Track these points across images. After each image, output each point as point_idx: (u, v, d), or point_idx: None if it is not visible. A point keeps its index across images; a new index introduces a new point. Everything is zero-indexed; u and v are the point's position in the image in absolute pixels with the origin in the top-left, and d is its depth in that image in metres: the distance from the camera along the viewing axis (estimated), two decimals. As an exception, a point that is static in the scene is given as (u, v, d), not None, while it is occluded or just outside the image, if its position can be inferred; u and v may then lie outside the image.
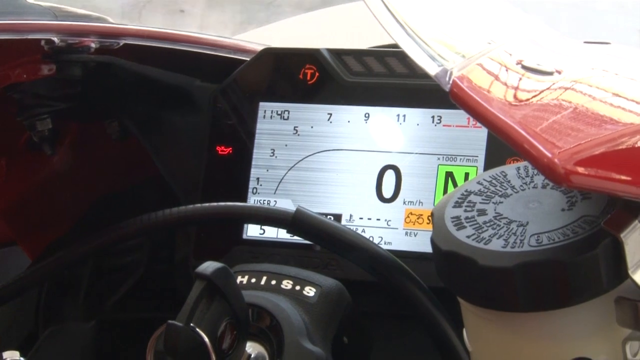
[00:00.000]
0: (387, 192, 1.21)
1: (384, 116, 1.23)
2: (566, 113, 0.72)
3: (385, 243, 1.20)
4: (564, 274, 0.80)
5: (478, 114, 0.69)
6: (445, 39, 0.82)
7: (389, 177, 1.21)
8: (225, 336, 0.92)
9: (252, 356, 0.96)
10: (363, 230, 1.21)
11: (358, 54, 1.25)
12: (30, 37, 1.20)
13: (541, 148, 0.67)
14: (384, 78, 1.23)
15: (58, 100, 1.30)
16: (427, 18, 0.84)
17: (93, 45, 1.24)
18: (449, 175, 1.18)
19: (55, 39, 1.21)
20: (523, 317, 0.83)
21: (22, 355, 1.41)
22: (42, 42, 1.21)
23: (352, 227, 1.21)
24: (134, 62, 1.31)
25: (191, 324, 0.90)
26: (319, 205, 1.22)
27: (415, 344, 1.09)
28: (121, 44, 1.26)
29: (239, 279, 1.01)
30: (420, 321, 1.02)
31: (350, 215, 1.22)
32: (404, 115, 1.22)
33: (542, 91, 0.75)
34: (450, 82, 0.71)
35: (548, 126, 0.69)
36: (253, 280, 1.01)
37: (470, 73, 0.73)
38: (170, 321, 0.90)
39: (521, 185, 0.88)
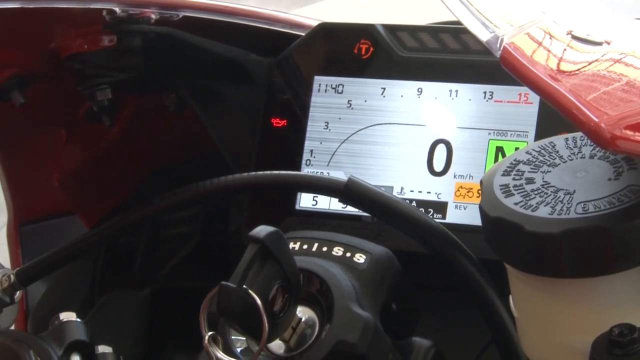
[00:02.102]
0: (438, 165, 1.22)
1: (436, 91, 1.24)
2: (614, 83, 0.73)
3: (435, 215, 1.21)
4: (608, 241, 0.81)
5: (528, 80, 0.71)
6: (498, 8, 0.83)
7: (440, 151, 1.22)
8: (277, 299, 0.93)
9: (303, 320, 0.97)
10: (413, 203, 1.22)
11: (412, 30, 1.26)
12: (92, 6, 1.21)
13: (589, 113, 0.68)
14: (437, 54, 1.24)
15: (118, 71, 1.32)
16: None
17: (153, 16, 1.26)
18: (500, 150, 1.19)
19: (117, 9, 1.23)
20: (568, 283, 0.84)
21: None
22: (104, 13, 1.23)
23: (403, 199, 1.21)
24: (192, 35, 1.32)
25: (244, 286, 0.90)
26: (370, 177, 1.23)
27: (462, 316, 1.10)
28: (180, 16, 1.28)
29: (291, 245, 1.02)
30: (469, 293, 1.03)
31: (402, 188, 1.23)
32: (456, 91, 1.22)
33: (591, 61, 0.76)
34: (501, 48, 0.73)
35: (596, 94, 0.71)
36: (305, 246, 1.01)
37: (521, 41, 0.74)
38: (223, 282, 0.91)
39: (569, 155, 0.89)
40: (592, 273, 0.83)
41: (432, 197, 1.22)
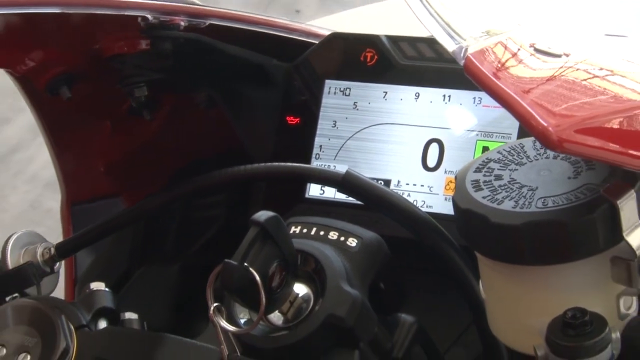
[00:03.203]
0: (431, 162, 1.22)
1: (432, 96, 1.23)
2: (566, 90, 0.72)
3: (427, 206, 1.20)
4: (564, 233, 0.80)
5: (486, 87, 0.70)
6: (465, 21, 0.82)
7: (434, 149, 1.22)
8: (275, 276, 0.92)
9: (299, 295, 0.96)
10: (408, 195, 1.21)
11: (412, 41, 1.25)
12: (127, 13, 1.21)
13: (538, 118, 0.67)
14: (433, 62, 1.23)
15: (152, 71, 1.32)
16: (450, 2, 0.85)
17: (182, 23, 1.25)
18: (486, 149, 1.18)
19: (149, 17, 1.23)
20: (528, 269, 0.83)
21: (115, 290, 1.44)
22: (139, 19, 1.23)
23: (399, 191, 1.21)
24: (218, 41, 1.32)
25: (245, 264, 0.90)
26: (372, 171, 1.23)
27: (445, 296, 1.09)
28: (207, 24, 1.28)
29: (293, 228, 1.01)
30: (450, 276, 1.02)
31: (398, 181, 1.22)
32: (449, 96, 1.22)
33: (548, 70, 0.75)
34: (464, 58, 0.72)
35: (547, 100, 0.70)
36: (304, 230, 1.01)
37: (484, 51, 0.73)
38: (226, 260, 0.91)
39: (535, 156, 0.88)
40: (549, 261, 0.82)
41: (425, 190, 1.21)
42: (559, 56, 0.77)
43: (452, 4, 0.82)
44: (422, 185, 1.21)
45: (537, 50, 0.77)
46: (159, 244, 1.47)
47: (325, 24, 1.38)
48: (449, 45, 0.75)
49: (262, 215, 0.92)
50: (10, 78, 1.33)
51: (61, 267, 1.19)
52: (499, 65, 0.73)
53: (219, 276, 0.92)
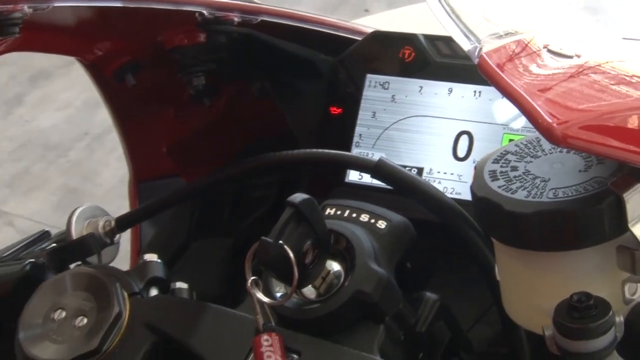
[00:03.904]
0: (461, 152, 1.20)
1: (463, 91, 1.22)
2: (573, 88, 0.71)
3: (455, 193, 1.19)
4: (573, 222, 0.79)
5: (497, 83, 0.69)
6: (482, 22, 0.81)
7: (464, 141, 1.20)
8: (308, 253, 0.92)
9: (331, 272, 0.96)
10: (439, 182, 1.20)
11: (447, 39, 1.24)
12: (185, 8, 1.21)
13: (544, 114, 0.66)
14: (466, 60, 1.20)
15: (209, 62, 1.32)
16: (468, 4, 0.83)
17: (236, 19, 1.25)
18: (512, 141, 1.16)
19: (205, 12, 1.23)
20: (538, 255, 0.82)
21: (173, 261, 1.45)
22: (196, 14, 1.23)
23: (431, 179, 1.20)
24: (269, 36, 1.31)
25: (280, 241, 0.90)
26: (406, 159, 1.22)
27: (469, 278, 1.08)
28: (259, 20, 1.27)
29: (328, 210, 1.01)
30: (473, 258, 1.01)
31: (430, 169, 1.21)
32: (480, 92, 1.20)
33: (557, 70, 0.74)
34: (478, 56, 0.71)
35: (554, 98, 0.68)
36: (338, 212, 1.01)
37: (497, 51, 0.72)
38: (263, 237, 0.91)
39: (550, 149, 0.86)
40: (558, 248, 0.81)
41: (455, 178, 1.20)
42: (570, 57, 0.76)
43: (469, 5, 0.81)
44: (452, 174, 1.20)
45: (550, 51, 0.75)
46: (215, 220, 1.47)
47: (368, 23, 1.36)
48: (465, 45, 0.73)
49: (297, 197, 0.92)
50: (80, 65, 1.34)
51: (121, 238, 1.20)
52: (510, 64, 0.71)
53: (256, 252, 0.92)
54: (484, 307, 1.14)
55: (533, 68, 0.73)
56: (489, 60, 0.69)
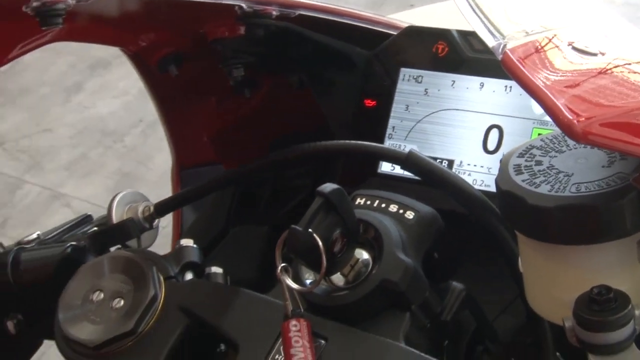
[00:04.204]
0: (491, 145, 1.19)
1: (495, 86, 1.20)
2: (596, 85, 0.69)
3: (485, 185, 1.18)
4: (593, 217, 0.77)
5: (519, 79, 0.67)
6: (507, 19, 0.79)
7: (494, 134, 1.19)
8: (337, 242, 0.91)
9: (360, 260, 0.95)
10: (469, 174, 1.19)
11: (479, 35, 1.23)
12: (225, 1, 1.21)
13: (564, 111, 0.64)
14: None
15: (248, 54, 1.32)
16: (495, 2, 0.82)
17: (274, 13, 1.25)
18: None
19: (244, 5, 1.22)
20: (560, 248, 0.80)
21: (212, 246, 1.45)
22: (235, 8, 1.23)
23: (461, 171, 1.19)
24: (306, 29, 1.31)
25: (309, 230, 0.89)
26: (437, 151, 1.21)
27: (494, 269, 1.07)
28: (296, 14, 1.27)
29: (358, 200, 1.00)
30: (499, 249, 1.00)
31: (461, 162, 1.20)
32: (511, 87, 1.19)
33: (581, 67, 0.72)
34: (502, 53, 0.69)
35: (577, 94, 0.67)
36: (368, 202, 1.00)
37: (521, 47, 0.71)
38: (292, 226, 0.90)
39: (574, 145, 0.85)
40: (579, 242, 0.79)
41: (484, 171, 1.18)
42: (594, 55, 0.74)
43: (495, 2, 0.79)
44: (481, 166, 1.19)
45: (575, 49, 0.74)
46: (253, 208, 1.47)
47: (403, 18, 1.35)
48: (490, 41, 0.72)
49: (327, 187, 0.91)
50: (125, 55, 1.34)
51: (160, 223, 1.20)
52: (534, 61, 0.70)
53: (286, 240, 0.92)
54: (509, 298, 1.12)
55: (556, 65, 0.71)
56: (512, 57, 0.68)
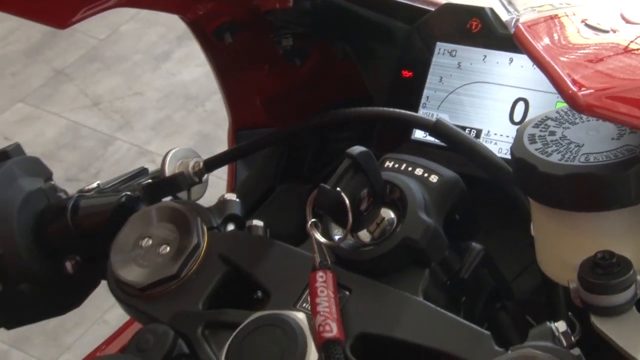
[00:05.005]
0: (517, 117, 1.16)
1: (523, 61, 1.16)
2: (605, 61, 0.67)
3: (509, 154, 1.15)
4: (600, 185, 0.75)
5: (529, 53, 0.65)
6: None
7: (520, 107, 1.16)
8: (363, 201, 0.90)
9: (386, 219, 0.93)
10: (495, 143, 1.16)
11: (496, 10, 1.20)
12: None
13: (569, 83, 0.62)
14: None
15: (297, 25, 1.30)
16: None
17: None
18: None
19: None
20: (568, 214, 0.79)
21: (262, 201, 1.44)
22: None
23: (488, 140, 1.16)
24: (350, 3, 1.29)
25: (337, 189, 0.88)
26: (467, 121, 1.18)
27: (513, 232, 1.04)
28: None
29: (387, 163, 0.98)
30: (518, 213, 0.98)
31: (488, 131, 1.17)
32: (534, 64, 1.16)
33: (591, 43, 0.69)
34: (514, 27, 0.67)
35: (584, 68, 0.64)
36: (396, 165, 0.98)
37: (534, 22, 0.68)
38: (321, 184, 0.89)
39: (587, 118, 0.82)
40: (586, 209, 0.77)
41: (509, 141, 1.15)
42: (606, 32, 0.71)
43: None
44: (507, 136, 1.16)
45: (587, 25, 0.71)
46: (298, 168, 1.46)
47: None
48: (503, 15, 0.70)
49: (355, 149, 0.90)
50: (184, 23, 1.33)
51: (209, 178, 1.19)
52: (545, 35, 0.67)
53: (316, 197, 0.91)
54: (528, 260, 1.10)
55: (567, 40, 0.69)
56: (524, 31, 0.65)
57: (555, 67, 0.62)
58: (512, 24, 0.67)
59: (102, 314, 2.59)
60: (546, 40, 0.66)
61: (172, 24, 3.48)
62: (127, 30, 3.59)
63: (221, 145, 1.54)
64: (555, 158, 0.78)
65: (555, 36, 0.68)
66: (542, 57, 0.63)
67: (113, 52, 3.53)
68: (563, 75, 0.61)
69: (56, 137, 3.21)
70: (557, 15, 0.71)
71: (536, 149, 0.79)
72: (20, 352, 2.57)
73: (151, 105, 3.31)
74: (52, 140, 3.20)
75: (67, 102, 3.35)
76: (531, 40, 0.64)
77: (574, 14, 0.72)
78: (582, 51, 0.68)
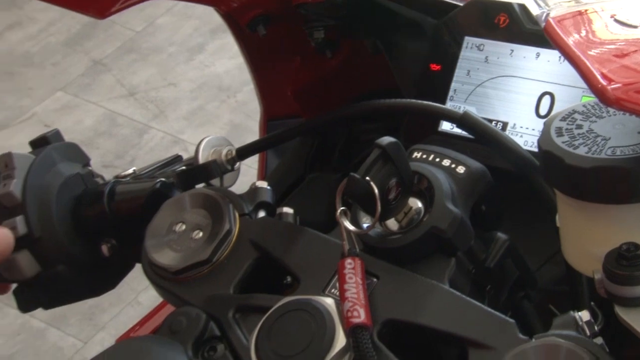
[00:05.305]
0: (543, 110, 1.14)
1: (549, 56, 1.15)
2: (632, 56, 0.65)
3: (535, 147, 1.13)
4: (626, 178, 0.74)
5: (560, 47, 0.64)
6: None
7: (546, 100, 1.14)
8: (392, 190, 0.89)
9: (413, 208, 0.92)
10: (521, 136, 1.14)
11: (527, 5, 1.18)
12: None
13: (598, 76, 0.61)
14: None
15: (328, 18, 1.29)
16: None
17: None
18: None
19: None
20: (593, 206, 0.77)
21: (292, 189, 1.43)
22: None
23: (514, 133, 1.15)
24: None
25: (366, 178, 0.87)
26: (493, 113, 1.17)
27: (539, 224, 1.03)
28: None
29: (415, 154, 0.97)
30: (543, 205, 0.97)
31: (514, 124, 1.16)
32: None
33: (620, 38, 0.68)
34: (545, 21, 0.66)
35: (611, 62, 0.63)
36: (424, 156, 0.97)
37: (564, 17, 0.67)
38: (351, 173, 0.88)
39: (614, 111, 0.81)
40: (611, 201, 0.76)
41: (535, 134, 1.14)
42: (635, 27, 0.70)
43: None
44: (533, 129, 1.14)
45: (616, 21, 0.70)
46: (328, 157, 1.45)
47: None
48: (534, 10, 0.69)
49: (384, 140, 0.89)
50: (218, 15, 1.33)
51: (241, 166, 1.19)
52: (574, 30, 0.66)
53: (345, 186, 0.90)
54: (553, 250, 1.09)
55: (596, 35, 0.68)
56: (554, 25, 0.64)
57: (585, 61, 0.61)
58: (543, 18, 0.65)
59: (136, 295, 2.61)
60: (575, 35, 0.65)
61: (206, 18, 3.49)
62: (163, 23, 3.61)
63: (251, 135, 1.54)
64: (582, 151, 0.76)
65: (584, 31, 0.67)
66: (571, 51, 0.62)
67: (149, 44, 3.55)
68: (592, 69, 0.60)
69: (94, 125, 3.23)
70: (586, 10, 0.70)
71: (563, 142, 0.78)
72: (57, 330, 2.60)
73: (185, 96, 3.33)
74: (90, 128, 3.22)
75: (105, 92, 3.37)
76: (561, 34, 0.63)
77: (603, 10, 0.71)
78: (610, 46, 0.67)
